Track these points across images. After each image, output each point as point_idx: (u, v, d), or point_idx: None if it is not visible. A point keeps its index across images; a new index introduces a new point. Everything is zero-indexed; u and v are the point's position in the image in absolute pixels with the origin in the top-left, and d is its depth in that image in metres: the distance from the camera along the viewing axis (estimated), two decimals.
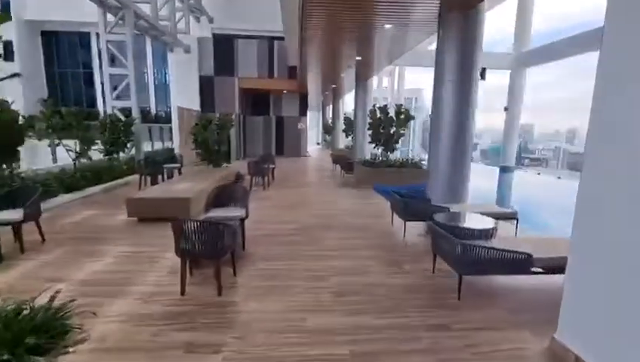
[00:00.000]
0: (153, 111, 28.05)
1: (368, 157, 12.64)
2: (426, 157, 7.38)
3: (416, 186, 9.52)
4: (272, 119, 21.07)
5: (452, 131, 6.25)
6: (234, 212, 4.56)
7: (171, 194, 6.35)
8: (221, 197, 4.86)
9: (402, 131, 10.44)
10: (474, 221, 4.50)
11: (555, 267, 3.33)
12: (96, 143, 8.76)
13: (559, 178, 17.40)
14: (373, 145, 10.74)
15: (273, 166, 10.72)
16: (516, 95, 14.88)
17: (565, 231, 3.03)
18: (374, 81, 18.30)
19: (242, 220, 4.50)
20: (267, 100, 20.83)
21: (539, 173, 17.72)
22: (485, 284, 3.68)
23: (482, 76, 6.54)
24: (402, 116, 10.22)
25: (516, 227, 5.41)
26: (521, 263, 3.33)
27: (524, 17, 14.67)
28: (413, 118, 10.43)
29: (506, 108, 14.86)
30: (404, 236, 5.32)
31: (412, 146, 32.02)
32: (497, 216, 5.31)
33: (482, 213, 5.15)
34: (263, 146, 20.85)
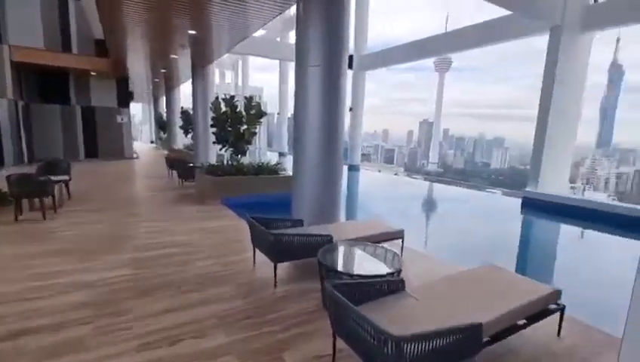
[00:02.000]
0: None
1: (215, 160, 10.42)
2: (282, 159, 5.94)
3: (275, 197, 8.06)
4: (76, 109, 15.69)
5: (321, 131, 4.97)
6: None
7: None
8: None
9: (254, 130, 8.75)
10: (373, 266, 3.24)
11: None
12: None
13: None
14: (220, 146, 8.63)
15: (65, 178, 7.15)
16: (359, 96, 15.52)
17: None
18: (216, 76, 15.93)
19: None
20: (66, 83, 15.30)
21: (379, 171, 19.40)
22: None
23: (350, 66, 5.56)
24: (253, 111, 8.51)
25: (402, 247, 4.55)
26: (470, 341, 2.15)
27: (362, 22, 15.33)
28: (265, 113, 8.87)
29: (350, 109, 15.27)
30: (276, 287, 3.62)
31: (259, 147, 30.94)
32: (385, 238, 4.34)
33: (373, 241, 4.02)
34: (65, 146, 15.32)
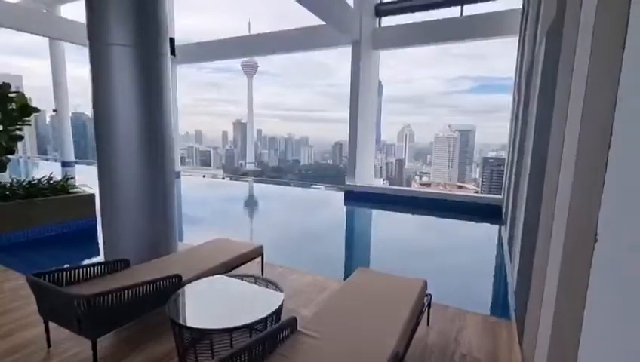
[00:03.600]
0: None
1: None
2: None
3: (70, 227, 5.75)
4: None
5: (140, 128, 3.72)
6: None
7: None
8: None
9: (18, 132, 5.97)
10: (254, 310, 2.55)
11: None
12: None
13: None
14: None
15: None
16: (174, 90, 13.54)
17: None
18: None
19: None
20: None
21: (204, 176, 17.87)
22: None
23: (172, 52, 4.41)
24: (13, 105, 5.76)
25: (262, 267, 3.96)
26: None
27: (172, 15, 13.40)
28: (37, 110, 6.19)
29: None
30: None
31: (25, 155, 23.00)
32: (244, 259, 3.64)
33: (232, 267, 3.28)
34: None
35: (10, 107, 5.76)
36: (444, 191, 9.22)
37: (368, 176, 11.23)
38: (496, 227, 7.42)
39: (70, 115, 17.32)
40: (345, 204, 10.22)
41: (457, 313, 3.27)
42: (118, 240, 3.82)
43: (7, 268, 4.11)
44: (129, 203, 3.76)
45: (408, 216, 8.94)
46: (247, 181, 16.27)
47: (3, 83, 5.58)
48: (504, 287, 4.22)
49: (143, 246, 3.81)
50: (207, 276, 2.97)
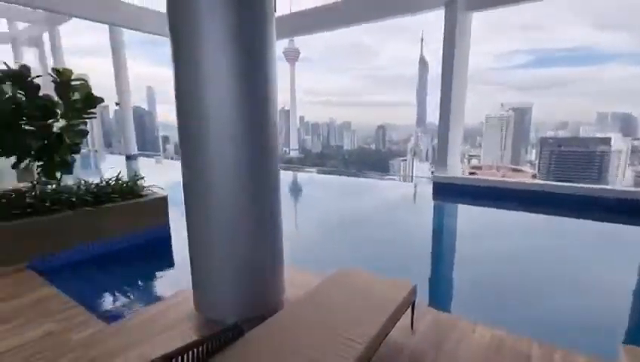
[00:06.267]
0: None
1: (14, 182, 6.20)
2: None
3: (137, 239, 4.85)
4: None
5: (241, 121, 2.54)
6: None
7: None
8: None
9: (81, 127, 5.19)
10: None
11: None
12: None
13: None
14: (12, 160, 4.74)
15: None
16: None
17: None
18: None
19: None
20: None
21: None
22: None
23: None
24: (77, 96, 4.96)
25: (412, 313, 2.68)
26: None
27: None
28: (102, 100, 5.39)
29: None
30: None
31: (94, 149, 23.66)
32: (400, 311, 2.36)
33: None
34: None
35: (74, 98, 4.96)
36: (580, 186, 7.22)
37: (456, 166, 9.52)
38: None
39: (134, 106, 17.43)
40: (434, 199, 8.67)
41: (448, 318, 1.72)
42: (210, 271, 2.76)
43: (86, 309, 3.20)
44: (224, 222, 2.66)
45: (535, 216, 7.09)
46: (301, 171, 15.07)
47: (64, 68, 4.76)
48: None
49: (242, 279, 2.74)
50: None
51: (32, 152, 4.56)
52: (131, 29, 12.47)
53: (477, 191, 8.28)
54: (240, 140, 2.57)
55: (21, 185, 6.50)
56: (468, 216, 7.61)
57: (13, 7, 15.50)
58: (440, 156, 9.02)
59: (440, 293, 3.87)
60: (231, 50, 2.45)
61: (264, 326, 2.01)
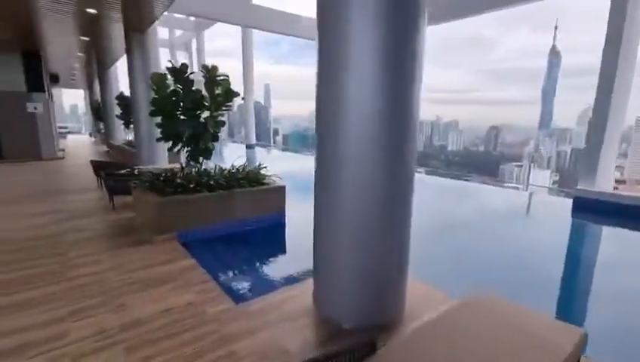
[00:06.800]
0: None
1: (168, 162, 7.39)
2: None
3: (258, 223, 5.31)
4: None
5: (382, 115, 2.38)
6: None
7: None
8: None
9: (221, 118, 5.86)
10: None
11: None
12: None
13: None
14: (169, 144, 5.65)
15: None
16: None
17: None
18: (164, 56, 12.45)
19: None
20: None
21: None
22: None
23: None
24: (219, 90, 5.61)
25: None
26: None
27: None
28: (237, 94, 6.00)
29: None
30: None
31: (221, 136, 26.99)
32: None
33: None
34: None
35: (217, 92, 5.60)
36: None
37: (607, 178, 7.72)
38: None
39: (255, 101, 19.40)
40: (574, 217, 7.22)
41: None
42: (334, 272, 2.71)
43: (216, 285, 3.57)
44: (355, 226, 2.56)
45: None
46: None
47: (212, 65, 5.39)
48: None
49: (365, 286, 2.63)
50: None
51: (184, 139, 5.32)
52: (263, 30, 13.77)
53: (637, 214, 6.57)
54: (378, 140, 2.42)
55: (171, 166, 7.74)
56: (636, 245, 6.02)
57: (171, 17, 18.62)
58: (587, 165, 7.43)
59: (607, 347, 3.09)
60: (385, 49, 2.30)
61: (397, 346, 1.83)
